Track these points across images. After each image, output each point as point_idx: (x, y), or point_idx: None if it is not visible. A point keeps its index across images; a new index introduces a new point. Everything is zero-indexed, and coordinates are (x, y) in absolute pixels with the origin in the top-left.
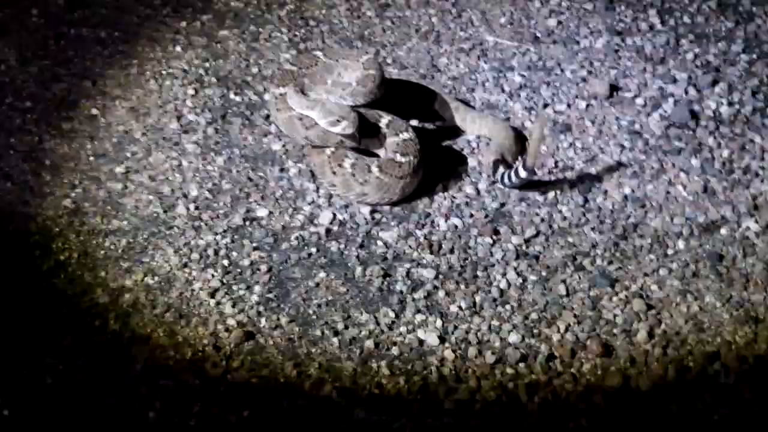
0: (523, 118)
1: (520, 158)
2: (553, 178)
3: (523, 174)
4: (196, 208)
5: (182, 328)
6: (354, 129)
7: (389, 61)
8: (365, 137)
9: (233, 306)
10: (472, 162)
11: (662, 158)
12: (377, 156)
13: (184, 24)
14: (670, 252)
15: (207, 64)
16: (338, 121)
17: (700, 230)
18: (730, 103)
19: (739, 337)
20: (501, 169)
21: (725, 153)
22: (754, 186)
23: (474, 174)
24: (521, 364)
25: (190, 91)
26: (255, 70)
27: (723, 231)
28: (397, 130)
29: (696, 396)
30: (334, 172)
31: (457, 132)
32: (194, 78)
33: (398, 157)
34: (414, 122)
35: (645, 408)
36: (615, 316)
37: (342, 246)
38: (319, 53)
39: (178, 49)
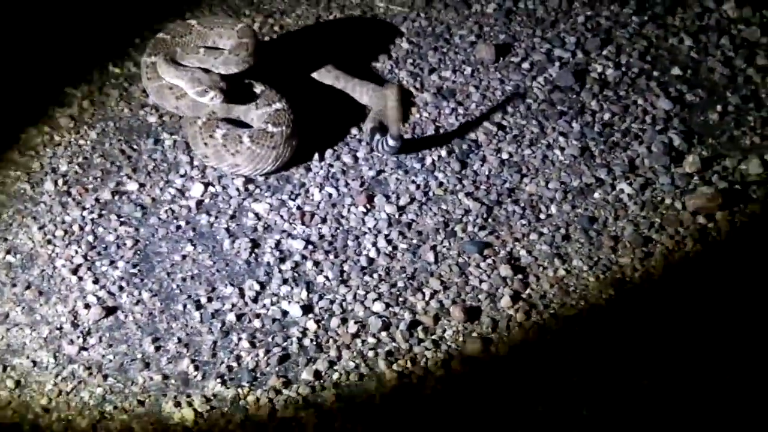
0: (408, 85)
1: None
2: (432, 144)
3: (392, 143)
4: (65, 183)
5: (41, 305)
6: (221, 99)
7: (276, 28)
8: (237, 106)
9: (95, 282)
10: (352, 131)
11: (543, 122)
12: (250, 126)
13: None
14: (542, 216)
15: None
16: (206, 91)
17: (574, 194)
18: (617, 66)
19: (603, 300)
20: (377, 137)
21: (606, 116)
22: (632, 148)
23: (353, 142)
24: (383, 333)
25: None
26: (137, 41)
27: (596, 194)
28: (270, 100)
29: (556, 358)
30: (205, 143)
31: (338, 101)
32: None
33: (270, 128)
34: (293, 91)
35: (503, 373)
36: (481, 281)
37: (212, 218)
38: (193, 21)
39: None
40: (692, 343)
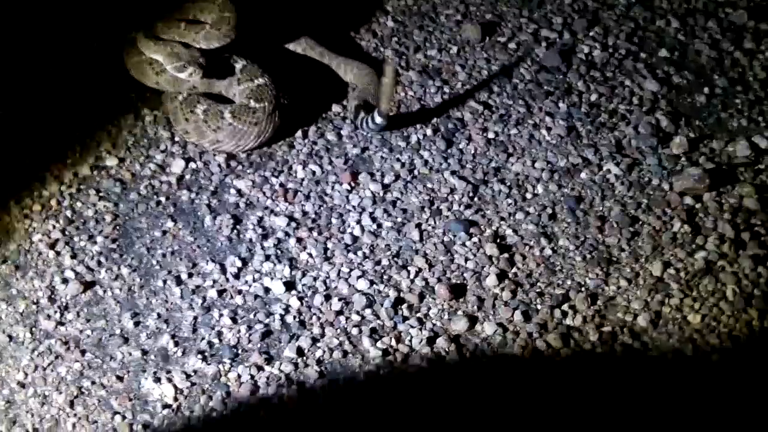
0: (393, 63)
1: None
2: (418, 123)
3: (378, 120)
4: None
5: (18, 280)
6: (200, 75)
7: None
8: (219, 81)
9: (73, 257)
10: (336, 108)
11: (530, 102)
12: (232, 102)
13: None
14: (528, 196)
15: None
16: (185, 66)
17: (560, 174)
18: (604, 47)
19: (590, 279)
20: (362, 114)
21: (593, 97)
22: (619, 129)
23: (337, 120)
24: (367, 310)
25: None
26: (117, 15)
27: (583, 174)
28: (252, 75)
29: (540, 337)
30: (186, 119)
31: (322, 77)
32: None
33: (252, 103)
34: (276, 66)
35: (488, 350)
36: (467, 260)
37: (193, 195)
38: None
39: None
40: (677, 323)
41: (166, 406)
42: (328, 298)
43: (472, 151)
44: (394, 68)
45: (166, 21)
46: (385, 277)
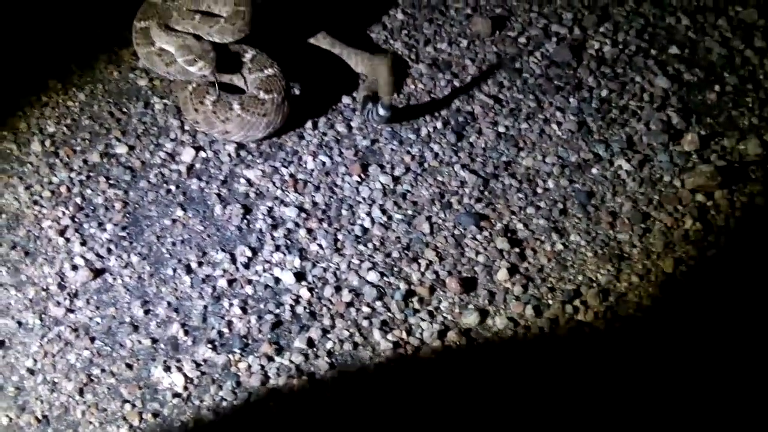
0: (403, 56)
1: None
2: (428, 115)
3: (382, 112)
4: (53, 144)
5: (27, 266)
6: (210, 70)
7: None
8: (228, 73)
9: (83, 244)
10: (346, 99)
11: (540, 97)
12: (243, 91)
13: None
14: (539, 191)
15: None
16: (195, 60)
17: (571, 169)
18: (615, 43)
19: (601, 275)
20: (369, 106)
21: (604, 92)
22: (630, 125)
23: (347, 111)
24: (378, 302)
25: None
26: (128, 3)
27: (594, 170)
28: (262, 65)
29: (552, 333)
30: (195, 109)
31: (332, 68)
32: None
33: (261, 94)
34: (287, 57)
35: (499, 345)
36: (478, 253)
37: (203, 184)
38: None
39: None
40: (690, 320)
41: (175, 395)
42: (338, 289)
43: (483, 145)
44: (390, 57)
45: (181, 11)
46: (395, 269)
